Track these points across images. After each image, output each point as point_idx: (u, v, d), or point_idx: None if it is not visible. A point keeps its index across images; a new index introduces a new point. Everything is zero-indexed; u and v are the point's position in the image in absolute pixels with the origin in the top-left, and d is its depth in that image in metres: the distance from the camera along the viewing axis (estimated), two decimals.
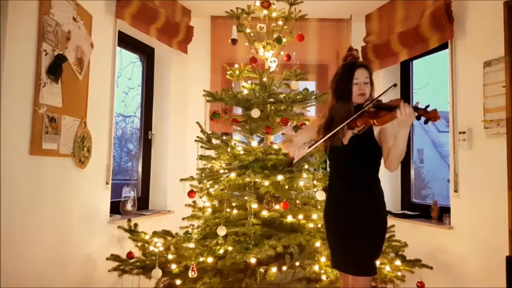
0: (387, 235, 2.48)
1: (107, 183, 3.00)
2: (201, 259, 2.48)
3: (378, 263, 2.37)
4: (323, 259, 2.43)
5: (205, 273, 2.45)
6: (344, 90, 2.00)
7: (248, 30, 3.01)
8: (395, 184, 3.83)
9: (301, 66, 3.20)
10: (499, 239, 2.52)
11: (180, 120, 3.91)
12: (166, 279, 2.62)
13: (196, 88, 3.66)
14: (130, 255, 2.62)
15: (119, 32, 3.20)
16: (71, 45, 2.56)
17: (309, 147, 1.95)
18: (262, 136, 2.98)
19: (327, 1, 3.63)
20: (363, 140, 2.00)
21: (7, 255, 2.11)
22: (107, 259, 2.62)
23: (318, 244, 2.50)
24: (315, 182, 2.71)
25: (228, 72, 3.03)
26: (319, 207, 2.71)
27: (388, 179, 3.73)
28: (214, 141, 2.90)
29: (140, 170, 3.80)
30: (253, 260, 2.35)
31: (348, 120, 1.92)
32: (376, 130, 1.99)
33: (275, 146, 2.80)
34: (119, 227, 2.87)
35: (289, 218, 2.63)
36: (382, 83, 3.72)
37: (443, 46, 3.19)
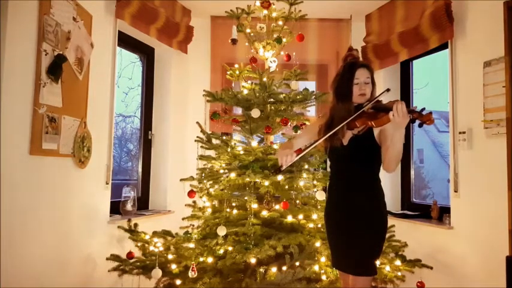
0: (387, 235, 2.48)
1: (107, 183, 3.01)
2: (201, 259, 2.48)
3: (378, 263, 2.37)
4: (323, 259, 2.43)
5: (205, 273, 2.45)
6: (344, 90, 2.00)
7: (248, 30, 3.01)
8: (395, 184, 3.83)
9: (301, 66, 3.20)
10: (499, 239, 2.52)
11: (180, 120, 3.91)
12: (166, 279, 2.62)
13: (196, 88, 3.66)
14: (130, 255, 2.62)
15: (119, 32, 3.20)
16: (71, 45, 2.56)
17: (298, 155, 1.92)
18: (262, 136, 2.98)
19: (327, 1, 3.63)
20: (362, 140, 2.00)
21: (7, 255, 2.11)
22: (107, 259, 2.62)
23: (318, 244, 2.50)
24: (315, 182, 2.71)
25: (228, 72, 3.03)
26: (319, 207, 2.71)
27: (388, 179, 3.73)
28: (214, 141, 2.90)
29: (140, 170, 3.80)
30: (253, 260, 2.35)
31: (344, 123, 1.92)
32: (376, 130, 1.99)
33: (275, 146, 2.80)
34: (119, 227, 2.87)
35: (289, 218, 2.63)
36: (382, 83, 3.71)
37: (443, 46, 3.19)
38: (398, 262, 2.56)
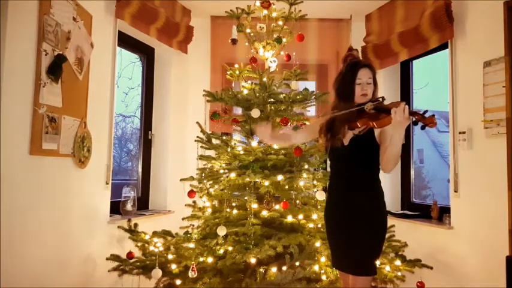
0: (387, 235, 2.48)
1: (107, 183, 3.00)
2: (201, 259, 2.48)
3: (378, 263, 2.37)
4: (323, 259, 2.43)
5: (205, 273, 2.45)
6: (346, 90, 2.00)
7: (248, 30, 3.01)
8: (395, 184, 3.83)
9: (301, 66, 3.19)
10: (499, 239, 2.52)
11: (180, 120, 3.91)
12: (166, 279, 2.62)
13: (196, 88, 3.66)
14: (130, 255, 2.62)
15: (119, 32, 3.20)
16: (71, 45, 2.56)
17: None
18: None
19: (327, 1, 3.63)
20: (363, 140, 2.00)
21: (7, 255, 2.11)
22: (107, 259, 2.62)
23: (318, 244, 2.50)
24: (315, 182, 2.71)
25: (228, 72, 3.03)
26: (319, 207, 2.71)
27: (388, 179, 3.73)
28: (214, 141, 2.91)
29: (140, 170, 3.80)
30: (253, 260, 2.35)
31: (337, 113, 1.94)
32: (376, 131, 1.98)
33: (275, 146, 2.80)
34: (119, 227, 2.87)
35: (289, 218, 2.63)
36: (383, 83, 3.71)
37: (443, 46, 3.19)
38: (398, 262, 2.56)
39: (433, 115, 1.73)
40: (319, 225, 2.67)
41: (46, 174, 2.42)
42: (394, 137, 1.84)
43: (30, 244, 2.30)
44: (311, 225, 2.67)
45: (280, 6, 2.97)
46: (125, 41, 3.47)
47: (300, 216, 2.68)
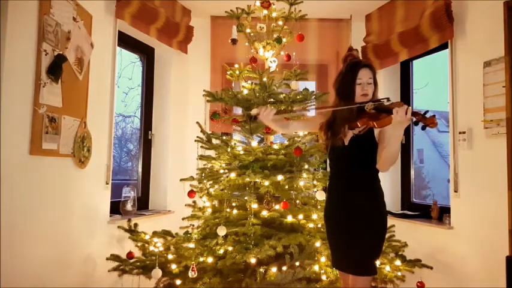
0: (387, 235, 2.48)
1: (107, 183, 3.01)
2: (201, 259, 2.48)
3: (378, 263, 2.37)
4: (323, 259, 2.43)
5: (205, 273, 2.45)
6: (347, 90, 2.00)
7: (248, 30, 3.01)
8: (396, 184, 3.83)
9: (301, 66, 3.19)
10: (499, 239, 2.52)
11: (180, 120, 3.91)
12: (166, 279, 2.62)
13: (196, 88, 3.66)
14: (130, 255, 2.62)
15: (119, 32, 3.20)
16: (71, 45, 2.56)
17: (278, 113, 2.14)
18: (262, 136, 2.98)
19: (327, 1, 3.63)
20: (363, 140, 2.00)
21: (7, 255, 2.11)
22: (107, 259, 2.62)
23: (318, 244, 2.50)
24: (315, 182, 2.71)
25: (228, 72, 3.03)
26: (319, 207, 2.71)
27: (388, 179, 3.73)
28: (214, 141, 2.90)
29: (140, 170, 3.80)
30: (253, 260, 2.35)
31: (337, 108, 1.94)
32: (376, 130, 1.99)
33: (275, 146, 2.80)
34: (119, 227, 2.87)
35: (289, 218, 2.63)
36: (383, 83, 3.72)
37: (443, 46, 3.19)
38: (398, 262, 2.56)
39: (434, 115, 1.73)
40: (319, 225, 2.67)
41: (46, 174, 2.42)
42: (392, 136, 1.84)
43: (30, 244, 2.30)
44: (311, 225, 2.67)
45: (280, 6, 2.97)
46: (125, 41, 3.47)
47: (300, 216, 2.68)
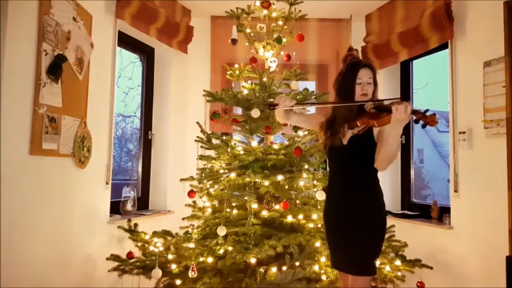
0: (387, 235, 2.48)
1: (107, 183, 3.01)
2: (201, 259, 2.48)
3: (377, 263, 2.37)
4: (323, 259, 2.43)
5: (205, 273, 2.45)
6: (347, 90, 2.00)
7: (248, 30, 3.01)
8: (395, 184, 3.83)
9: (301, 66, 3.19)
10: (499, 239, 2.52)
11: (180, 120, 3.91)
12: (166, 279, 2.62)
13: (196, 88, 3.66)
14: (130, 255, 2.62)
15: (119, 32, 3.20)
16: (71, 45, 2.56)
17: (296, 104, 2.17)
18: (262, 136, 2.98)
19: (327, 1, 3.63)
20: (362, 140, 2.00)
21: (7, 255, 2.11)
22: (107, 259, 2.62)
23: (318, 244, 2.50)
24: (315, 182, 2.71)
25: (228, 72, 3.03)
26: (319, 207, 2.71)
27: (388, 179, 3.73)
28: (214, 141, 2.90)
29: (140, 170, 3.80)
30: (253, 260, 2.35)
31: (337, 105, 1.95)
32: (376, 130, 1.99)
33: (275, 146, 2.80)
34: (119, 227, 2.87)
35: (289, 218, 2.63)
36: (383, 83, 3.72)
37: (443, 46, 3.19)
38: (398, 262, 2.56)
39: (434, 114, 1.74)
40: (319, 225, 2.67)
41: (46, 174, 2.42)
42: (391, 135, 1.84)
43: (30, 244, 2.30)
44: (311, 225, 2.67)
45: (280, 6, 2.98)
46: (125, 41, 3.47)
47: (300, 216, 2.68)
